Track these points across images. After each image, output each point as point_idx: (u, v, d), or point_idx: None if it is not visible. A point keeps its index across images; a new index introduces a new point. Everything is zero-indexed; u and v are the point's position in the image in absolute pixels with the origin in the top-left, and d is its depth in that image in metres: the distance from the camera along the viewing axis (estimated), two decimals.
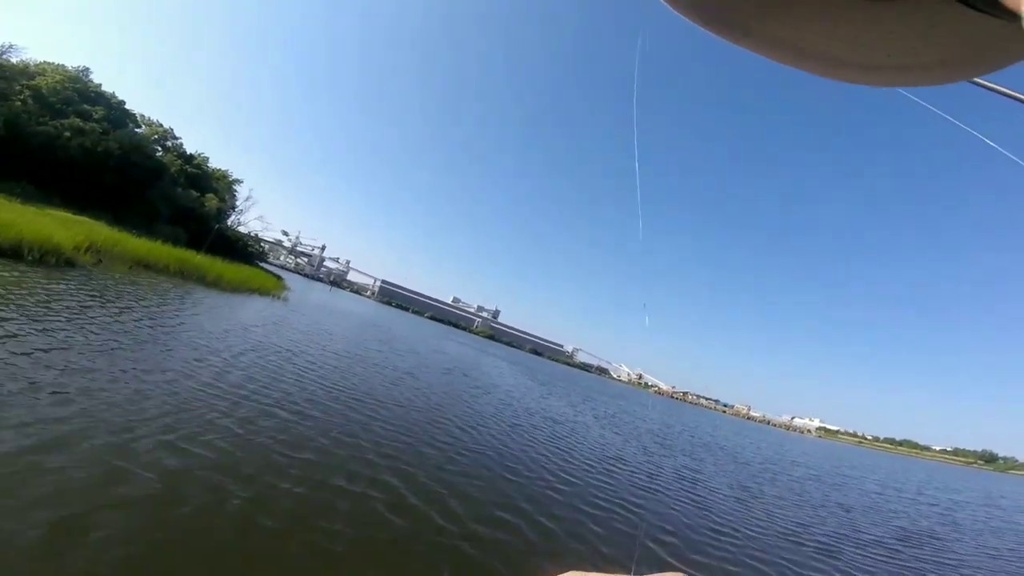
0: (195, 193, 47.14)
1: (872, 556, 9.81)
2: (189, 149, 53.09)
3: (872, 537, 11.66)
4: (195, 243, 41.60)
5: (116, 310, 11.23)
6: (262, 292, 28.49)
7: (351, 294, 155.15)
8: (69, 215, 24.02)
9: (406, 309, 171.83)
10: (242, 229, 57.74)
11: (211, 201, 49.17)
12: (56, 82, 34.39)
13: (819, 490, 17.94)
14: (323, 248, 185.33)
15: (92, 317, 9.81)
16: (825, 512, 13.52)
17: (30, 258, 13.50)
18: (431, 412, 11.59)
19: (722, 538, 8.40)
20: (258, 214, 79.90)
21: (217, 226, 42.90)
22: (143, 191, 38.54)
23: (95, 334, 8.72)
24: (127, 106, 44.59)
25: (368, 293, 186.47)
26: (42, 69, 35.48)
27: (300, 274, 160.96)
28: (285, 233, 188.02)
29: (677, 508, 9.72)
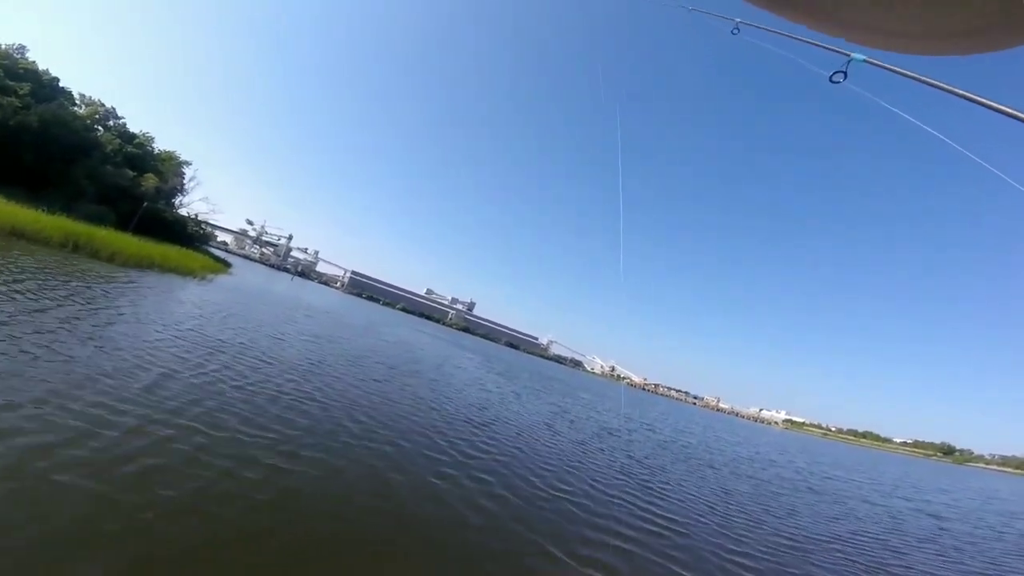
0: (131, 172, 44.88)
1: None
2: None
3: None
4: (126, 223, 39.69)
5: None
6: (180, 272, 26.99)
7: (319, 285, 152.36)
8: None
9: (377, 301, 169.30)
10: (185, 212, 55.29)
11: (149, 180, 46.88)
12: None
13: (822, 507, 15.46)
14: (290, 238, 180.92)
15: None
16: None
17: None
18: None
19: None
20: (202, 196, 76.44)
21: (145, 204, 40.72)
22: (66, 168, 36.38)
23: None
24: (63, 84, 42.32)
25: (337, 284, 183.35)
26: None
27: (266, 264, 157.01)
28: (250, 222, 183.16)
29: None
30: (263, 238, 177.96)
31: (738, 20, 4.69)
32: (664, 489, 11.48)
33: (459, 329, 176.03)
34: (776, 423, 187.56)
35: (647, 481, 11.93)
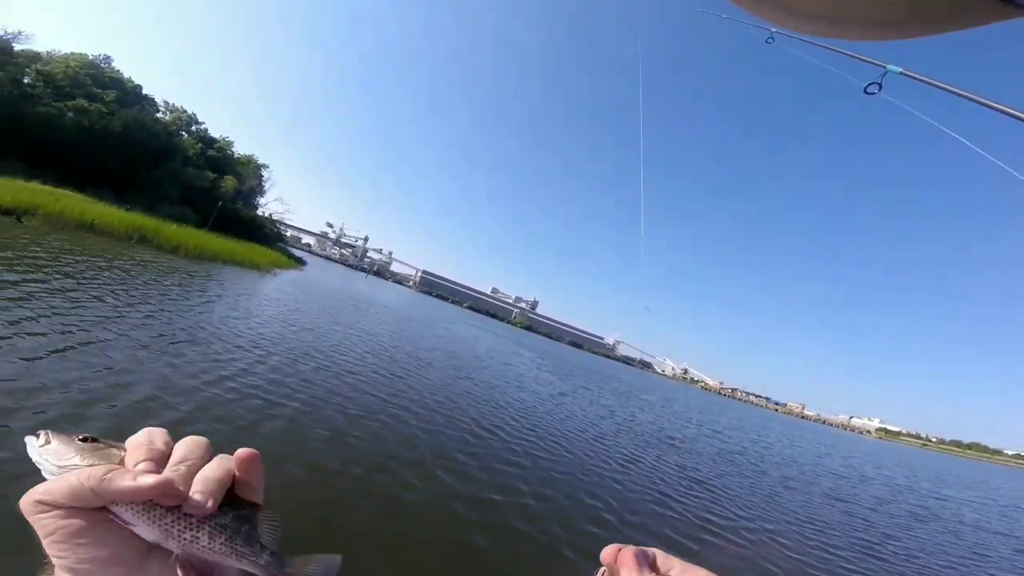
0: (211, 175, 47.53)
1: None
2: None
3: None
4: (206, 222, 42.03)
5: None
6: (244, 265, 27.53)
7: (393, 283, 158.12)
8: (43, 187, 23.81)
9: (446, 299, 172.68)
10: (262, 211, 58.26)
11: (228, 182, 49.57)
12: (68, 67, 34.96)
13: None
14: (366, 239, 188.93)
15: None
16: None
17: None
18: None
19: None
20: (276, 196, 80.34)
21: (220, 203, 42.76)
22: (150, 171, 38.89)
23: None
24: (146, 91, 45.69)
25: (410, 283, 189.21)
26: (63, 59, 36.30)
27: (344, 264, 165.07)
28: (330, 225, 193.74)
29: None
30: (342, 240, 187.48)
31: (774, 29, 4.43)
32: (725, 521, 8.87)
33: (522, 327, 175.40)
34: (868, 432, 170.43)
35: (707, 508, 9.34)
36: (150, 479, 0.46)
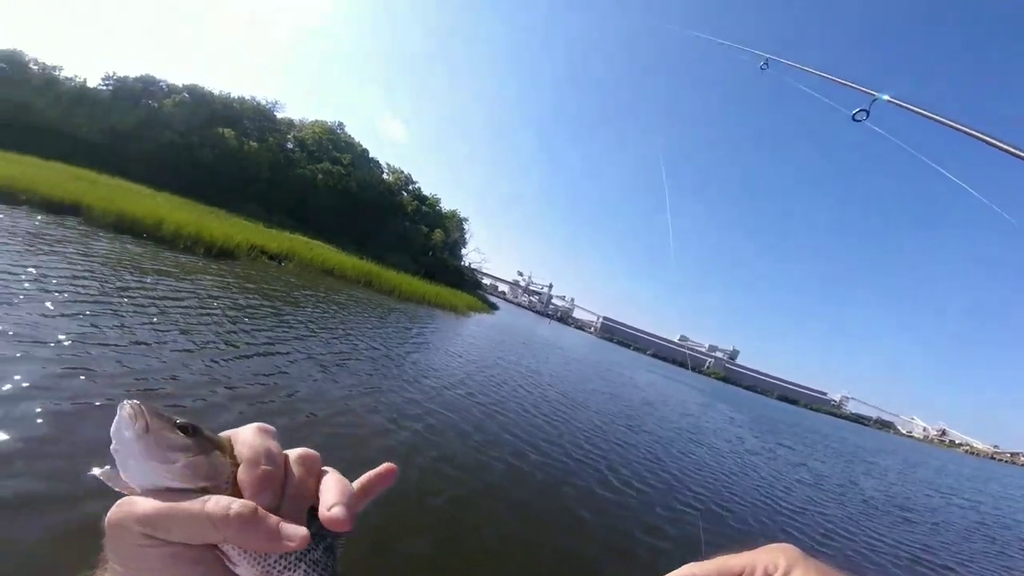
0: (424, 228, 54.29)
1: None
2: (430, 193, 62.44)
3: None
4: (417, 269, 47.72)
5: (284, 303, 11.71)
6: (443, 307, 29.47)
7: (574, 329, 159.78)
8: (304, 237, 29.17)
9: (627, 345, 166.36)
10: (466, 261, 64.32)
11: (437, 235, 56.01)
12: (315, 133, 44.14)
13: None
14: (550, 287, 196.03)
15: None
16: None
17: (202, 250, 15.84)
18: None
19: None
20: (474, 247, 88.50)
21: (430, 253, 47.78)
22: (377, 224, 45.83)
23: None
24: (372, 154, 55.40)
25: (591, 329, 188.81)
26: (311, 125, 46.45)
27: (532, 310, 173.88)
28: (520, 273, 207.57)
29: None
30: (530, 287, 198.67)
31: (768, 56, 4.78)
32: None
33: (718, 378, 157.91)
34: None
35: None
36: (298, 533, 0.41)
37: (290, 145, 42.12)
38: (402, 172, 58.09)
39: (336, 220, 41.05)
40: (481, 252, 71.16)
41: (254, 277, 14.96)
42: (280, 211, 36.45)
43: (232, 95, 41.27)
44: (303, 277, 19.05)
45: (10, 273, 7.24)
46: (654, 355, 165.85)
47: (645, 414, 16.34)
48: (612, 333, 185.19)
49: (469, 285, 61.29)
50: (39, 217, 12.95)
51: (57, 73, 34.17)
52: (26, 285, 6.96)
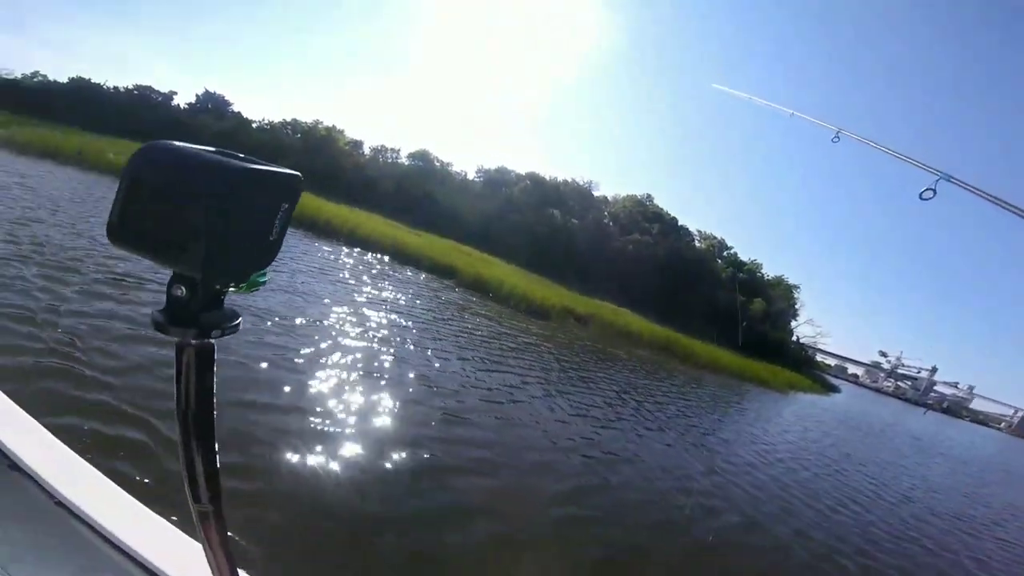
0: (741, 298, 50.31)
1: None
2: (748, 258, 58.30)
3: None
4: (731, 341, 44.06)
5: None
6: (755, 382, 26.56)
7: (970, 423, 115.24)
8: (609, 304, 31.72)
9: None
10: (796, 335, 56.02)
11: (756, 305, 51.07)
12: (626, 207, 47.51)
13: None
14: (932, 371, 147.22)
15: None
16: None
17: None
18: None
19: None
20: (806, 318, 73.81)
21: (744, 324, 43.68)
22: (686, 294, 45.16)
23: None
24: (681, 223, 55.47)
25: (1001, 425, 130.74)
26: (623, 200, 50.59)
27: (900, 398, 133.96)
28: (883, 354, 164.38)
29: None
30: (897, 370, 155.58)
31: (839, 129, 4.99)
32: None
33: None
34: None
35: None
36: None
37: (606, 220, 47.22)
38: (715, 238, 56.22)
39: (644, 288, 42.81)
40: (816, 325, 60.85)
41: (558, 333, 17.40)
42: (595, 280, 40.76)
43: (559, 178, 50.54)
44: (601, 339, 20.75)
45: (407, 311, 10.96)
46: None
47: None
48: None
49: (796, 361, 52.59)
50: (423, 275, 19.19)
51: (449, 168, 49.28)
52: (408, 324, 10.35)
